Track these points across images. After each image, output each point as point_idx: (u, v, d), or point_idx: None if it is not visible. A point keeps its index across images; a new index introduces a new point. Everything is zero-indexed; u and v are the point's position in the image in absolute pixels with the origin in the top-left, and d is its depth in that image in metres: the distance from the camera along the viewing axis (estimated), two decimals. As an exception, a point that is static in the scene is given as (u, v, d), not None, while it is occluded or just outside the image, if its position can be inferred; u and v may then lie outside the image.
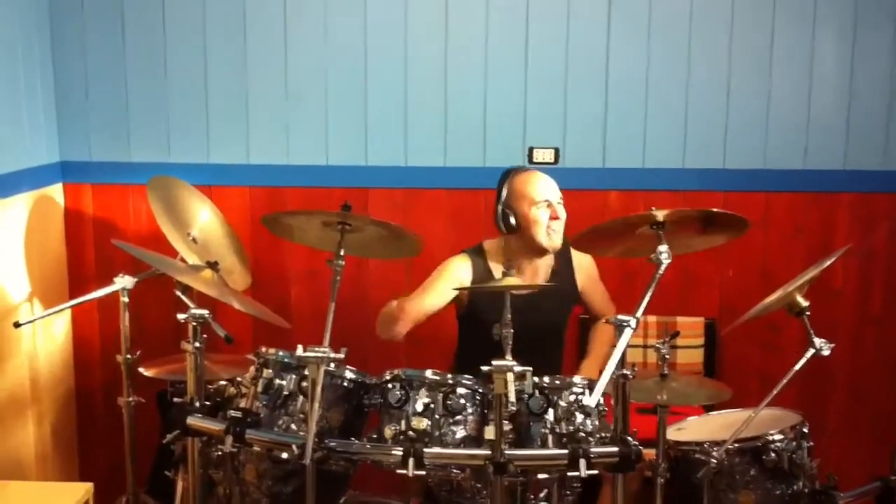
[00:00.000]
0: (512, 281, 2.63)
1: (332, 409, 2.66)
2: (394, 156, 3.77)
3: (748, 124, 3.75)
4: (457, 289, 3.07)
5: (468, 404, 2.59)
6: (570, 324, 3.40)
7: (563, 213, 3.14)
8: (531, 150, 3.76)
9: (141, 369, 3.23)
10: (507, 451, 2.40)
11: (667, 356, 2.71)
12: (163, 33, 3.71)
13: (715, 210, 2.70)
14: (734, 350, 3.79)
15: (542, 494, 2.60)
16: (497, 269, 3.16)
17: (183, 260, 3.26)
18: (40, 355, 3.59)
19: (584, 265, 3.33)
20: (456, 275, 3.15)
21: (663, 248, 2.56)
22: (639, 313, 2.45)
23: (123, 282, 3.21)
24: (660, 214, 2.57)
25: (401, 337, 3.10)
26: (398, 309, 3.07)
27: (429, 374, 2.62)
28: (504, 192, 3.16)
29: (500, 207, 3.16)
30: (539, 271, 3.22)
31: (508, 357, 2.43)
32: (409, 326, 3.08)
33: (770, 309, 2.80)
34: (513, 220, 3.13)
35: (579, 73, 3.72)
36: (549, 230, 3.11)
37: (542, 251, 3.14)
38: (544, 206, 3.11)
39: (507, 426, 2.44)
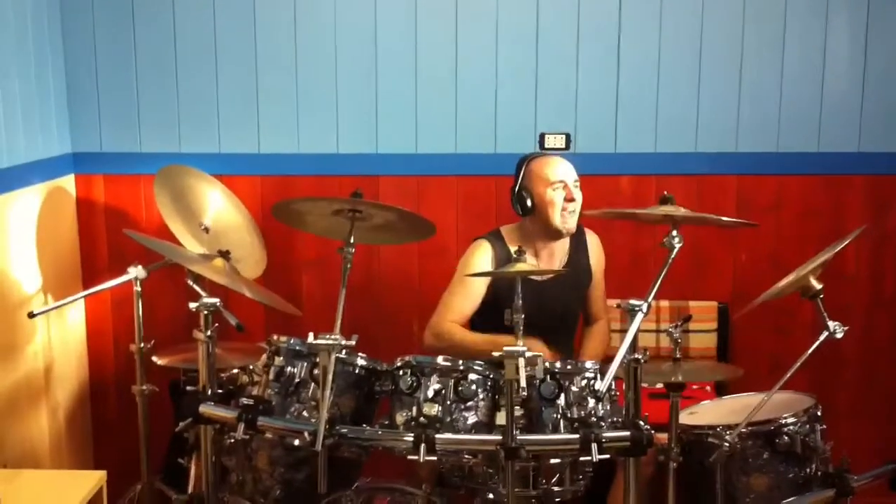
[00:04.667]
0: (527, 266, 2.63)
1: (344, 396, 2.66)
2: (404, 143, 3.76)
3: (761, 107, 3.72)
4: (469, 275, 3.06)
5: (479, 390, 2.59)
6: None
7: (578, 196, 3.14)
8: (542, 135, 3.75)
9: (154, 358, 3.24)
10: (518, 437, 2.40)
11: (679, 340, 2.70)
12: (172, 24, 3.72)
13: (724, 219, 2.70)
14: (747, 334, 3.78)
15: (553, 479, 2.60)
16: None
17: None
18: (54, 345, 3.61)
19: (596, 252, 3.35)
20: (480, 265, 3.15)
21: (675, 232, 2.55)
22: (650, 298, 2.44)
23: (136, 272, 3.22)
24: (670, 211, 2.57)
25: None
26: (454, 334, 3.08)
27: (440, 360, 2.62)
28: (521, 175, 3.18)
29: (516, 189, 3.17)
30: (555, 255, 3.22)
31: (520, 342, 2.43)
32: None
33: (784, 292, 2.78)
34: (529, 202, 3.13)
35: (590, 58, 3.71)
36: (565, 212, 3.11)
37: (557, 233, 3.15)
38: (560, 188, 3.11)
39: (518, 411, 2.44)
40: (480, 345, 2.94)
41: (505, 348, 2.36)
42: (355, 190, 2.65)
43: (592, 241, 3.34)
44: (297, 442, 2.50)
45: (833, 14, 3.67)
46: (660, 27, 3.68)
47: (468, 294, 3.13)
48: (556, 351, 3.06)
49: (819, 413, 2.71)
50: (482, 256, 3.17)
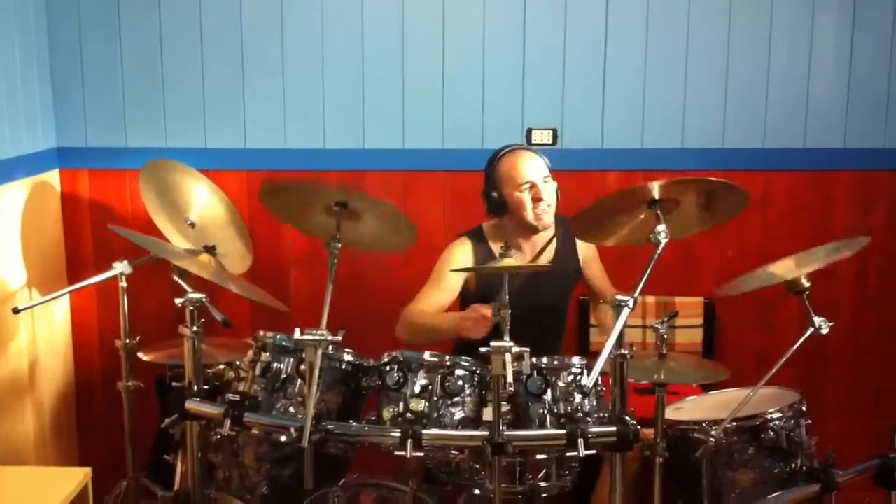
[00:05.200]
0: (514, 262, 2.62)
1: (331, 392, 2.66)
2: (391, 138, 3.76)
3: (747, 103, 3.73)
4: (455, 270, 3.07)
5: (466, 386, 2.59)
6: (570, 304, 3.40)
7: (548, 194, 3.12)
8: (529, 131, 3.75)
9: (140, 354, 3.23)
10: (505, 432, 2.39)
11: (665, 336, 2.71)
12: (159, 18, 3.70)
13: (712, 179, 2.65)
14: (733, 330, 3.79)
15: (540, 475, 2.60)
16: (498, 250, 3.16)
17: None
18: (39, 341, 3.60)
19: (583, 242, 3.32)
20: (458, 262, 3.15)
21: (661, 227, 2.55)
22: (636, 293, 2.44)
23: (121, 267, 3.21)
24: (655, 186, 2.55)
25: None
26: (417, 315, 3.06)
27: (427, 356, 2.61)
28: (490, 176, 3.17)
29: (486, 191, 3.17)
30: (538, 248, 3.21)
31: (507, 338, 2.43)
32: None
33: (769, 282, 2.79)
34: (500, 203, 3.13)
35: (577, 54, 3.71)
36: (536, 211, 3.10)
37: (534, 230, 3.15)
38: (527, 188, 3.10)
39: (505, 407, 2.44)
40: (439, 323, 2.96)
41: (492, 343, 2.35)
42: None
43: None
44: (283, 438, 2.50)
45: (819, 10, 3.68)
46: (647, 22, 3.68)
47: (441, 289, 3.12)
48: (544, 348, 3.05)
49: (804, 408, 2.72)
50: (460, 255, 3.17)
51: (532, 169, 3.12)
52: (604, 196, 2.69)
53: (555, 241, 3.25)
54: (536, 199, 3.09)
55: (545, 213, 3.12)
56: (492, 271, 2.70)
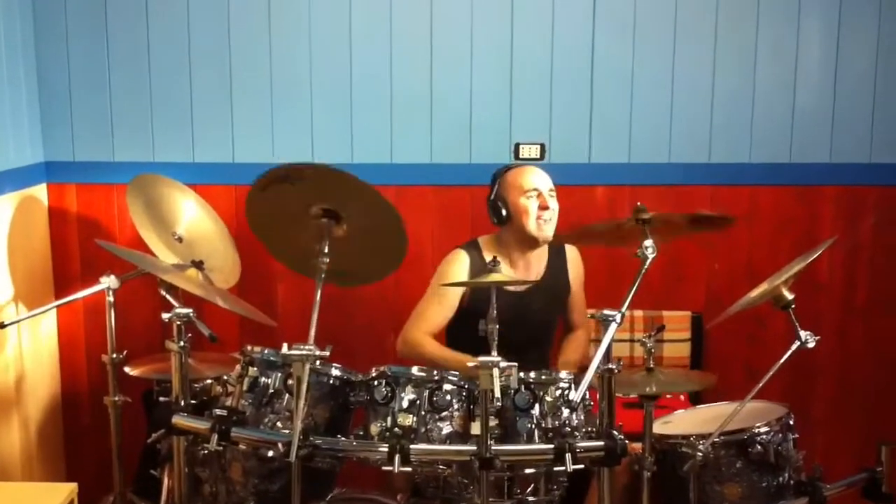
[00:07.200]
0: (502, 276, 2.63)
1: (318, 407, 2.65)
2: (379, 153, 3.76)
3: (733, 119, 3.75)
4: (445, 284, 3.07)
5: (454, 400, 2.58)
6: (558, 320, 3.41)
7: (553, 205, 3.16)
8: (517, 146, 3.76)
9: (127, 369, 3.21)
10: (493, 447, 2.39)
11: (653, 350, 2.72)
12: (146, 32, 3.70)
13: (702, 213, 2.70)
14: (720, 343, 3.80)
15: (528, 489, 2.60)
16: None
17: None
18: (26, 356, 3.58)
19: (575, 265, 3.36)
20: (456, 275, 3.15)
21: (649, 242, 2.56)
22: (624, 308, 2.45)
23: (109, 281, 3.20)
24: (646, 216, 2.58)
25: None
26: (426, 344, 3.09)
27: (415, 370, 2.61)
28: (496, 185, 3.20)
29: (492, 198, 3.18)
30: (532, 265, 3.23)
31: (494, 353, 2.43)
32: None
33: (755, 303, 2.81)
34: (504, 211, 3.15)
35: (565, 69, 3.72)
36: (539, 220, 3.12)
37: (533, 242, 3.16)
38: (534, 196, 3.13)
39: (493, 422, 2.44)
40: (450, 362, 2.94)
41: (480, 358, 2.35)
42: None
43: (572, 254, 3.34)
44: (271, 453, 2.48)
45: (804, 26, 3.71)
46: (633, 37, 3.70)
47: (442, 304, 3.14)
48: (532, 362, 3.06)
49: (792, 422, 2.73)
50: (458, 267, 3.17)
51: (540, 180, 3.17)
52: (592, 217, 2.72)
53: (547, 258, 3.26)
54: (543, 208, 3.12)
55: (548, 223, 3.14)
56: (483, 285, 2.70)
